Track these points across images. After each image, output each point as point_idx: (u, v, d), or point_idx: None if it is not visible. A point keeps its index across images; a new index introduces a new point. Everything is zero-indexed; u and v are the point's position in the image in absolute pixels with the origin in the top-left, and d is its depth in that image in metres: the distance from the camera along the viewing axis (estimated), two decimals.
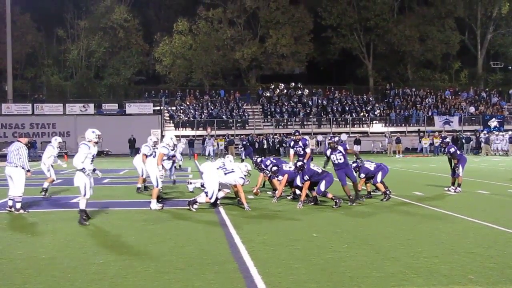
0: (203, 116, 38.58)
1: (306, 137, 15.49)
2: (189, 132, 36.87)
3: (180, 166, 21.16)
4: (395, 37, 45.98)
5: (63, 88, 44.49)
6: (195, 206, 9.70)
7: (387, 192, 11.00)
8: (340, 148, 10.30)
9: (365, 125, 39.68)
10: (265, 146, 33.31)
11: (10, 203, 9.68)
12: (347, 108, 40.47)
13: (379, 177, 10.97)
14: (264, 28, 45.80)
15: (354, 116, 39.87)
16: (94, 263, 5.90)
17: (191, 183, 12.28)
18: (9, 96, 39.03)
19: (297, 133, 12.04)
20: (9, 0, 38.16)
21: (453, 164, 12.51)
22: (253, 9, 45.66)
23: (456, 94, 44.34)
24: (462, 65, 50.61)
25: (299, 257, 6.08)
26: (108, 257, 6.17)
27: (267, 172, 11.20)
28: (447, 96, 43.64)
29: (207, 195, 9.75)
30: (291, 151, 12.12)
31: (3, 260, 6.08)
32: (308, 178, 10.03)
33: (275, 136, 34.43)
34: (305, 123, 39.24)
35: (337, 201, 9.86)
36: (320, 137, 35.25)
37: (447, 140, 13.66)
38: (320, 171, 10.17)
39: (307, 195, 10.33)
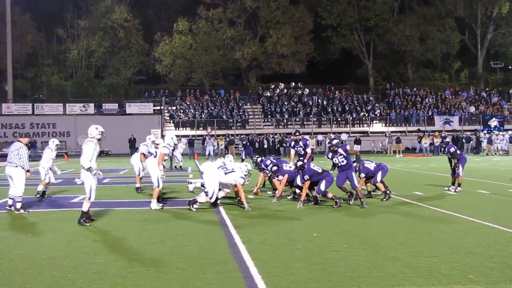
0: (203, 116, 38.59)
1: (306, 137, 15.49)
2: (189, 132, 36.87)
3: (180, 166, 21.19)
4: (395, 37, 45.97)
5: (63, 88, 44.50)
6: (195, 206, 9.71)
7: (387, 191, 11.00)
8: (341, 150, 10.18)
9: (365, 125, 39.68)
10: (265, 146, 33.31)
11: (10, 202, 9.69)
12: (347, 108, 40.47)
13: (379, 176, 10.96)
14: (264, 28, 45.80)
15: (354, 116, 39.87)
16: (94, 262, 5.90)
17: (191, 182, 12.29)
18: (9, 96, 39.04)
19: (297, 133, 12.05)
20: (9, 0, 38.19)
21: (453, 164, 12.51)
22: (253, 9, 45.68)
23: (456, 94, 44.35)
24: (462, 64, 50.63)
25: (299, 257, 6.08)
26: (108, 257, 6.17)
27: (267, 172, 11.20)
28: (447, 96, 43.65)
29: (207, 195, 9.75)
30: (292, 151, 12.13)
31: (3, 260, 6.08)
32: (308, 178, 10.03)
33: (275, 136, 34.42)
34: (305, 122, 39.24)
35: (337, 201, 9.85)
36: (320, 137, 35.27)
37: (447, 140, 13.67)
38: (320, 170, 10.17)
39: (307, 195, 10.33)
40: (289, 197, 11.17)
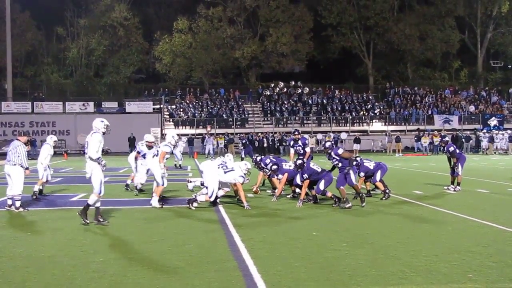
0: (203, 114, 38.56)
1: (306, 136, 15.49)
2: (188, 130, 36.83)
3: (180, 165, 21.19)
4: (395, 36, 45.94)
5: (63, 87, 44.44)
6: (194, 204, 9.72)
7: (387, 191, 11.01)
8: (333, 154, 10.02)
9: (365, 124, 39.66)
10: (265, 145, 33.31)
11: (10, 202, 9.68)
12: (347, 107, 40.45)
13: (378, 175, 10.97)
14: (264, 26, 45.74)
15: (354, 114, 39.85)
16: (94, 261, 5.90)
17: (190, 181, 12.28)
18: (9, 94, 39.01)
19: (296, 132, 12.06)
20: None
21: (452, 163, 12.52)
22: (253, 8, 45.59)
23: (456, 93, 44.34)
24: (462, 64, 50.60)
25: (299, 256, 6.09)
26: (108, 256, 6.18)
27: (267, 170, 11.20)
28: (447, 95, 43.63)
29: (207, 194, 9.76)
30: (291, 150, 12.14)
31: (3, 259, 6.09)
32: (307, 176, 10.03)
33: (275, 135, 34.41)
34: (305, 121, 39.21)
35: (336, 200, 9.86)
36: (320, 136, 35.26)
37: (447, 139, 13.69)
38: (319, 170, 10.17)
39: (306, 194, 10.34)
40: (288, 196, 11.18)
